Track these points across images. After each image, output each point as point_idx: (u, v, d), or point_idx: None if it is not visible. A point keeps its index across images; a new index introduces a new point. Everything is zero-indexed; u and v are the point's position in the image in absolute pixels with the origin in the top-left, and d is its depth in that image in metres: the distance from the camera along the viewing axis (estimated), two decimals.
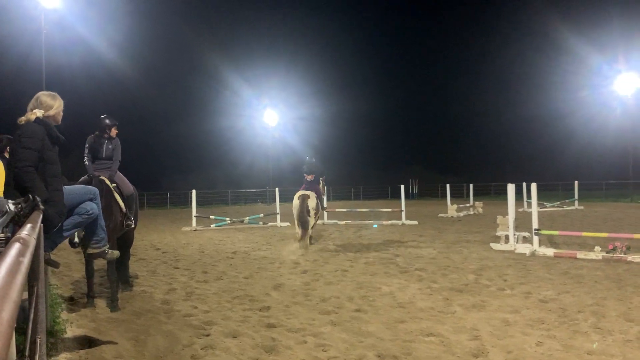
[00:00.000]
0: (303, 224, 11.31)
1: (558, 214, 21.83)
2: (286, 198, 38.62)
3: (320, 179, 12.83)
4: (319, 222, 15.02)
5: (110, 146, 7.02)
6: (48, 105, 4.26)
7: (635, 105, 35.41)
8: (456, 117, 64.87)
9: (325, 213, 19.29)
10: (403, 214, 18.62)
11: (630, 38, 41.17)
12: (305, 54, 61.60)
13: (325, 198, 12.54)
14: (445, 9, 78.30)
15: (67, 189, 4.36)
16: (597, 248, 9.59)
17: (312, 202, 11.42)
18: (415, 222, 18.33)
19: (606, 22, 49.59)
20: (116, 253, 5.22)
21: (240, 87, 50.86)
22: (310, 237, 12.05)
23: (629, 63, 35.83)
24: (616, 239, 9.71)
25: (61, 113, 4.44)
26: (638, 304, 6.00)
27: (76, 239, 4.90)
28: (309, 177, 12.23)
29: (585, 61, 43.96)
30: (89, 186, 4.86)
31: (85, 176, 6.74)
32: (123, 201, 6.78)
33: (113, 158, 7.02)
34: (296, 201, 11.49)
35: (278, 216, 18.85)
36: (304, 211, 11.30)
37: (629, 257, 8.96)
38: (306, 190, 11.80)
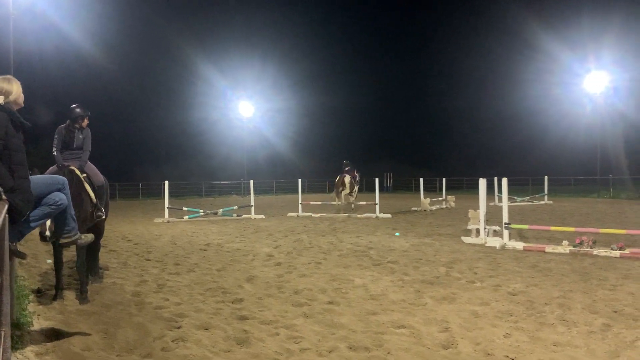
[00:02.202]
0: (337, 193, 19.90)
1: (528, 209, 22.27)
2: (261, 190, 38.80)
3: (355, 173, 20.55)
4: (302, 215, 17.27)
5: (81, 136, 6.89)
6: (6, 91, 4.13)
7: (604, 103, 36.29)
8: (430, 113, 65.55)
9: (300, 206, 19.51)
10: (377, 207, 18.74)
11: (600, 37, 42.16)
12: (281, 45, 61.33)
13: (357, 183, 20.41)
14: (421, 7, 78.81)
15: (35, 178, 4.26)
16: (565, 242, 9.82)
17: (347, 179, 19.65)
18: (389, 216, 18.49)
19: (577, 21, 50.55)
20: (90, 236, 5.11)
21: (215, 78, 50.40)
22: (352, 204, 19.99)
23: (598, 61, 36.69)
24: (583, 234, 9.97)
25: (22, 95, 4.30)
26: (602, 296, 6.17)
27: (47, 232, 4.71)
28: (346, 168, 20.21)
29: (556, 59, 44.87)
30: (57, 176, 4.74)
31: (54, 166, 6.60)
32: (93, 192, 6.67)
33: (83, 148, 6.89)
34: (337, 180, 19.92)
35: (252, 208, 18.78)
36: (339, 186, 19.79)
37: (595, 251, 9.20)
38: (344, 174, 19.92)
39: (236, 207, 19.43)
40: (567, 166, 42.35)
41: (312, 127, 58.36)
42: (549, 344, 4.50)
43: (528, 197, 26.98)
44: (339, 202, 19.66)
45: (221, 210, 18.81)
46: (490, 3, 67.04)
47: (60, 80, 41.67)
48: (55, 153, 6.74)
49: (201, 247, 10.85)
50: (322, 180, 45.58)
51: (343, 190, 19.69)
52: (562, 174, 37.37)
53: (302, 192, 21.08)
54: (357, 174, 20.75)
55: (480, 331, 4.89)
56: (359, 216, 18.28)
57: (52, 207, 4.31)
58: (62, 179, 4.59)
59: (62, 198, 4.38)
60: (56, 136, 6.80)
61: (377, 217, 18.02)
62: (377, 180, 20.37)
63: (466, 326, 5.05)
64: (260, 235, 13.09)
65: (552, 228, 11.26)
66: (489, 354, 4.27)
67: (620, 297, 6.09)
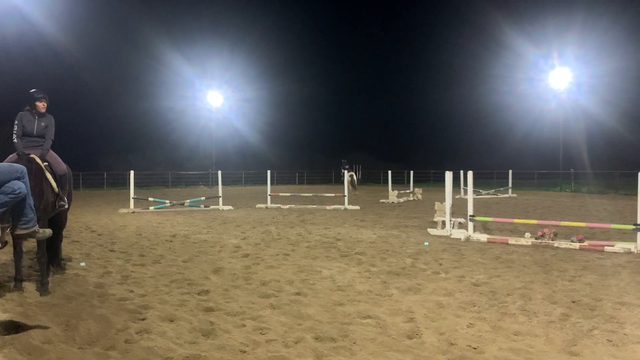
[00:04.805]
0: (353, 185, 25.43)
1: (492, 201, 22.73)
2: (230, 181, 38.49)
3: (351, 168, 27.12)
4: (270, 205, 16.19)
5: (42, 123, 6.69)
6: None
7: (567, 99, 37.20)
8: (399, 106, 66.14)
9: (268, 197, 19.50)
10: (346, 199, 18.83)
11: (564, 34, 43.16)
12: (251, 34, 60.61)
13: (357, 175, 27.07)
14: (391, 2, 79.28)
15: None
16: (527, 234, 10.07)
17: (354, 176, 25.42)
18: (357, 207, 18.60)
19: (542, 18, 51.64)
20: (48, 231, 4.96)
21: (183, 67, 49.53)
22: (356, 193, 25.66)
23: (562, 58, 37.54)
24: (545, 226, 10.23)
25: None
26: (562, 287, 6.36)
27: None
28: (347, 166, 26.73)
29: (522, 56, 45.75)
30: (16, 164, 4.59)
31: (14, 154, 6.39)
32: (55, 181, 6.48)
33: (46, 136, 6.70)
34: (347, 176, 24.14)
35: (220, 199, 18.61)
36: (354, 180, 25.60)
37: (556, 243, 9.46)
38: (350, 171, 25.97)
39: (204, 198, 19.22)
40: (531, 160, 43.44)
41: (282, 118, 58.17)
42: (510, 333, 4.62)
43: (493, 190, 27.54)
44: (354, 193, 25.20)
45: (188, 201, 18.58)
46: (458, 0, 67.78)
47: (22, 67, 40.28)
48: (15, 140, 6.52)
49: (167, 238, 10.71)
50: (292, 172, 45.51)
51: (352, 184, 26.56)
52: (526, 167, 38.26)
53: (272, 183, 21.00)
54: (356, 172, 28.77)
55: (444, 321, 4.97)
56: (327, 208, 18.35)
57: (10, 195, 4.17)
58: (21, 167, 4.45)
59: (20, 187, 4.25)
60: (16, 122, 6.58)
61: (345, 209, 18.11)
62: (346, 172, 20.48)
63: (431, 316, 5.13)
64: (228, 226, 13.00)
65: (516, 220, 11.52)
66: (452, 344, 4.35)
67: (579, 288, 6.29)
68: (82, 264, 7.76)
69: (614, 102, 45.72)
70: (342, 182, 22.46)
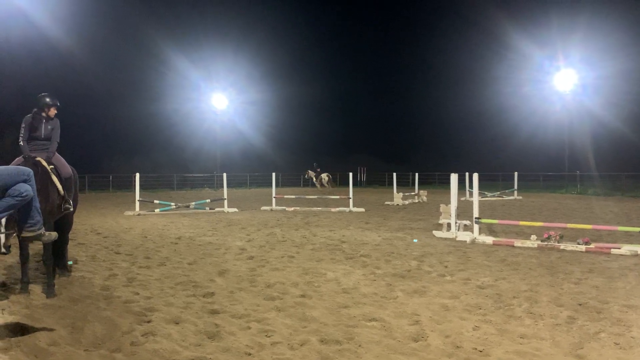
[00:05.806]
0: (331, 183, 33.45)
1: (498, 204, 22.66)
2: (235, 183, 38.57)
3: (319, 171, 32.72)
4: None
5: (49, 126, 6.73)
6: None
7: (572, 100, 37.07)
8: (404, 108, 66.06)
9: (273, 200, 19.52)
10: (351, 201, 18.83)
11: (569, 36, 42.98)
12: (255, 37, 60.66)
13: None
14: (394, 3, 79.18)
15: None
16: (533, 237, 10.03)
17: (328, 176, 33.24)
18: (362, 210, 18.59)
19: (547, 20, 51.46)
20: (54, 234, 4.97)
21: (188, 70, 49.60)
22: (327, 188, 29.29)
23: (567, 60, 37.39)
24: (551, 228, 10.19)
25: None
26: (568, 289, 6.32)
27: (3, 249, 4.38)
28: (318, 169, 33.60)
29: (527, 57, 45.57)
30: (23, 167, 4.61)
31: (20, 157, 6.43)
32: (61, 183, 6.51)
33: (51, 139, 6.73)
34: (324, 176, 33.39)
35: (225, 202, 18.64)
36: (330, 179, 33.41)
37: (562, 246, 9.42)
38: (320, 173, 33.69)
39: (209, 200, 19.26)
40: (537, 162, 43.24)
41: (286, 120, 58.14)
42: (516, 336, 4.60)
43: (498, 193, 27.43)
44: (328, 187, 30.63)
45: (193, 203, 18.62)
46: (462, 0, 67.65)
47: (28, 70, 40.46)
48: (21, 143, 6.56)
49: (172, 241, 10.73)
50: (297, 174, 45.51)
51: (322, 181, 32.81)
52: (531, 170, 38.10)
53: (277, 185, 21.02)
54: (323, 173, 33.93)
55: (450, 324, 4.96)
56: (332, 210, 18.35)
57: (17, 198, 4.19)
58: (28, 170, 4.47)
59: (27, 189, 4.27)
60: (23, 125, 6.62)
61: (350, 211, 18.10)
62: (350, 174, 20.47)
63: (436, 319, 5.12)
64: (233, 228, 13.02)
65: (521, 223, 11.48)
66: (457, 347, 4.33)
67: (585, 291, 6.26)
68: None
69: (620, 104, 45.51)
70: (348, 184, 22.38)
